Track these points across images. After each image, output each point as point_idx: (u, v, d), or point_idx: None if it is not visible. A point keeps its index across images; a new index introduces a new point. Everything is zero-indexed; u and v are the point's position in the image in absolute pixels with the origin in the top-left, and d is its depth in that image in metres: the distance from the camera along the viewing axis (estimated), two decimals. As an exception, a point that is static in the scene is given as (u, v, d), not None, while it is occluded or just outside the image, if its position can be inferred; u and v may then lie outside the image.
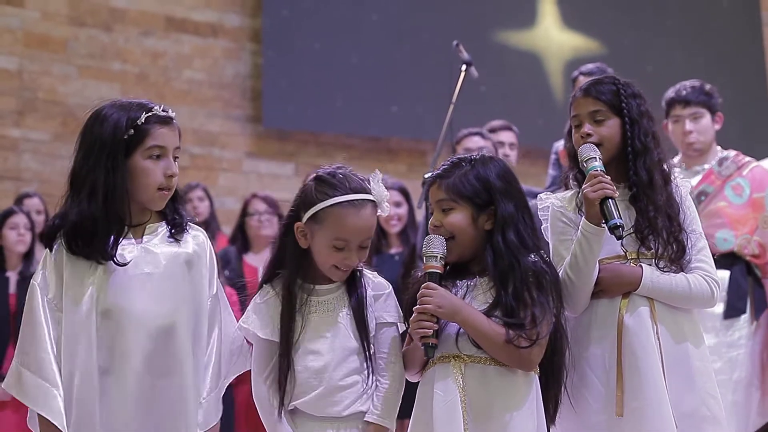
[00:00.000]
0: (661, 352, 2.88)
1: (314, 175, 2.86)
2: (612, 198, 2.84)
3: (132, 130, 2.71)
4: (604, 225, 2.86)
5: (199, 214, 6.73)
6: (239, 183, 8.44)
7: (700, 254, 3.01)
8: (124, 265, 2.70)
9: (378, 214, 2.83)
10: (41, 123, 7.88)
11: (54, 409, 2.60)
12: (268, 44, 8.59)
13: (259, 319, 2.79)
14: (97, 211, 2.68)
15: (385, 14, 8.96)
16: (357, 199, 2.77)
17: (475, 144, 5.31)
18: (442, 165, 2.92)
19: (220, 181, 8.28)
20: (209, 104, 8.50)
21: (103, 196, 2.68)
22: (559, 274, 2.92)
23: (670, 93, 4.63)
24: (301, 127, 8.62)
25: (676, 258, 2.97)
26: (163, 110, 2.76)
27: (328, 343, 2.77)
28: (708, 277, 2.99)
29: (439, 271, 2.79)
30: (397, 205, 5.41)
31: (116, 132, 2.70)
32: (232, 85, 8.63)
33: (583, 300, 2.94)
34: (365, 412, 2.78)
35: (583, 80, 4.80)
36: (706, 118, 4.56)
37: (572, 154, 3.07)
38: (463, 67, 5.36)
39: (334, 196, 2.77)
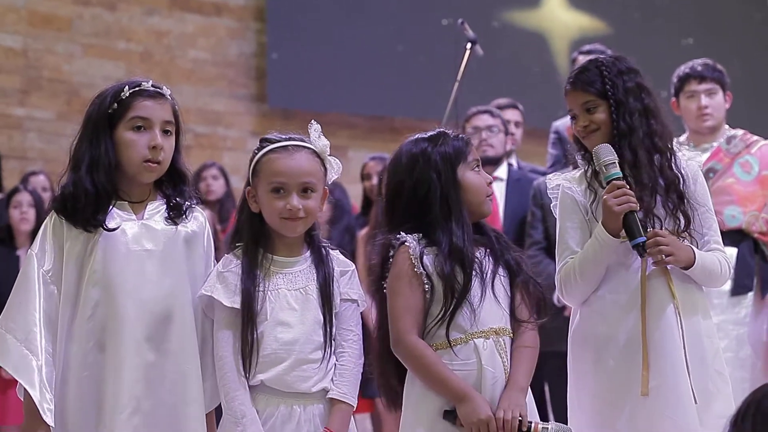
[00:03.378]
0: (681, 327, 2.87)
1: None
2: (635, 211, 2.85)
3: (116, 104, 2.75)
4: (624, 238, 2.88)
5: (211, 193, 6.72)
6: (243, 162, 8.37)
7: (717, 235, 3.03)
8: (113, 230, 2.71)
9: (332, 177, 2.85)
10: (46, 101, 7.87)
11: (34, 382, 2.62)
12: (273, 23, 8.57)
13: (224, 287, 2.76)
14: (82, 180, 2.71)
15: (390, -7, 8.93)
16: (289, 145, 2.83)
17: (484, 122, 5.30)
18: None
19: (224, 160, 8.25)
20: (214, 83, 8.49)
21: (87, 167, 2.72)
22: (562, 263, 2.97)
23: (684, 69, 4.63)
24: (305, 107, 8.59)
25: (683, 229, 2.96)
26: (154, 86, 2.78)
27: (297, 316, 2.76)
28: (726, 259, 3.02)
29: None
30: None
31: (101, 106, 2.76)
32: (236, 64, 8.61)
33: (584, 296, 2.96)
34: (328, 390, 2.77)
35: (582, 59, 4.80)
36: (720, 95, 4.59)
37: (576, 139, 3.10)
38: (468, 45, 5.35)
39: (267, 147, 2.84)
